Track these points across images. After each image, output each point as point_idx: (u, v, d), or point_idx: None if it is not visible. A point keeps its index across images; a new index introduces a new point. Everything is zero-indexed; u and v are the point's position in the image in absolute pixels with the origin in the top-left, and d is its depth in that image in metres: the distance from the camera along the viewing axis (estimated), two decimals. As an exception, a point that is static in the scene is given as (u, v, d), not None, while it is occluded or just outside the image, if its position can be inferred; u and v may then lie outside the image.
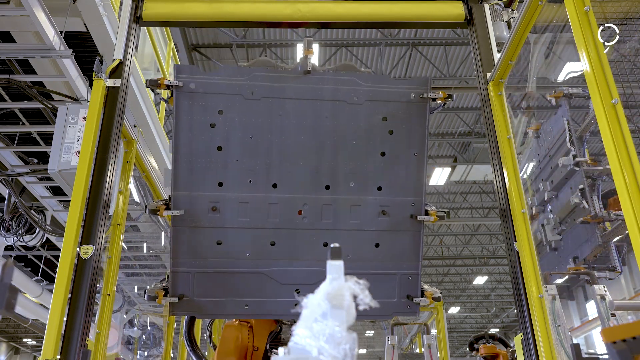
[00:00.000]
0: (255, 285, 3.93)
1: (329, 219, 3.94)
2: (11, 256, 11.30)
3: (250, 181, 3.85)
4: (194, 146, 3.79)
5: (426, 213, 3.96)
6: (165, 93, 3.97)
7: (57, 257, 8.18)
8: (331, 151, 3.92)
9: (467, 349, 9.85)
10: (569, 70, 10.40)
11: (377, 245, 3.98)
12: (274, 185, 3.88)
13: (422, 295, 4.06)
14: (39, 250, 10.95)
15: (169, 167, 3.88)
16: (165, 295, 3.86)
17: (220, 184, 3.82)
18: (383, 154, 3.94)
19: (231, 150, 3.82)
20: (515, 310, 3.85)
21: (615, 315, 5.14)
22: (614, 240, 6.58)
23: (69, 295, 3.33)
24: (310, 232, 3.94)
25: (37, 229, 8.74)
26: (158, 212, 3.72)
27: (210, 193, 3.82)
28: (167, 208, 3.78)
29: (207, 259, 3.89)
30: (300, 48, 13.31)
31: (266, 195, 3.88)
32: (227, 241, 3.89)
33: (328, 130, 3.90)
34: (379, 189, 3.94)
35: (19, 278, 10.67)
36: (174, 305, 3.85)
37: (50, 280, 11.75)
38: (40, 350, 4.63)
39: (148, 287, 3.89)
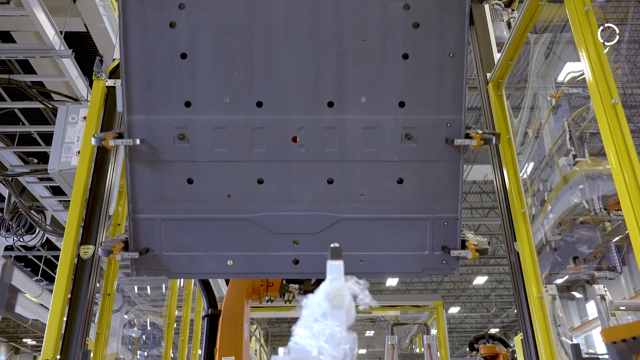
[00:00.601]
0: (241, 236, 3.17)
1: (333, 147, 3.07)
2: (11, 256, 11.30)
3: (226, 99, 2.98)
4: (149, 54, 2.91)
5: (467, 136, 3.02)
6: None
7: (57, 257, 8.19)
8: (334, 55, 2.98)
9: (467, 349, 9.86)
10: (569, 70, 10.41)
11: (400, 180, 3.11)
12: (259, 104, 3.00)
13: (463, 246, 3.17)
14: (39, 250, 10.95)
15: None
16: (125, 250, 3.13)
17: (188, 104, 2.98)
18: (406, 56, 2.96)
19: (199, 57, 2.94)
20: (515, 310, 3.84)
21: (615, 315, 5.15)
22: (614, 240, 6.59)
23: (69, 295, 3.34)
24: (309, 165, 3.11)
25: (37, 229, 8.74)
26: (104, 142, 2.93)
27: (175, 116, 2.99)
28: (121, 137, 2.99)
29: (176, 202, 3.12)
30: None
31: (249, 118, 3.01)
32: (200, 179, 3.10)
33: (329, 26, 2.95)
34: (401, 104, 3.00)
35: (19, 278, 10.67)
36: (137, 261, 3.16)
37: (50, 280, 11.76)
38: (40, 350, 4.64)
39: (103, 242, 3.15)
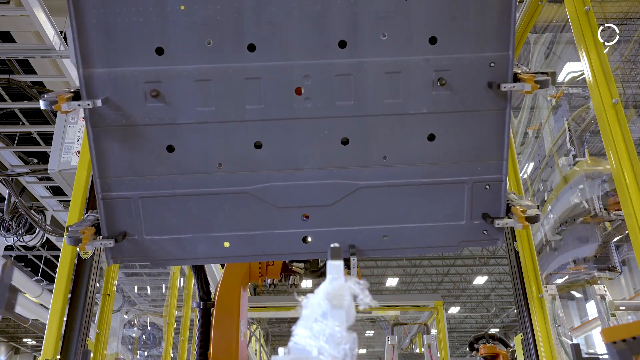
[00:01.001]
0: (238, 213, 2.68)
1: (348, 98, 2.49)
2: (11, 256, 11.31)
3: (209, 42, 2.39)
4: None
5: (516, 78, 2.42)
6: None
7: (57, 257, 8.20)
8: None
9: (467, 349, 9.87)
10: (569, 70, 10.42)
11: (431, 137, 2.57)
12: (251, 47, 2.40)
13: (509, 212, 2.65)
14: (39, 250, 10.96)
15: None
16: (96, 235, 2.60)
17: (160, 51, 2.38)
18: None
19: None
20: (515, 310, 3.84)
21: (615, 315, 5.16)
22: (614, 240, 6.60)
23: (69, 295, 3.34)
24: (318, 123, 2.54)
25: (37, 229, 8.74)
26: (55, 106, 2.28)
27: (145, 67, 2.39)
28: (77, 98, 2.38)
29: (155, 175, 2.58)
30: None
31: (239, 66, 2.42)
32: (182, 145, 2.54)
33: None
34: (433, 41, 2.41)
35: (19, 278, 10.68)
36: (113, 250, 2.67)
37: (50, 280, 11.76)
38: (40, 350, 4.64)
39: (70, 227, 2.58)
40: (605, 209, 6.63)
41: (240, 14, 2.35)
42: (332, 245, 1.09)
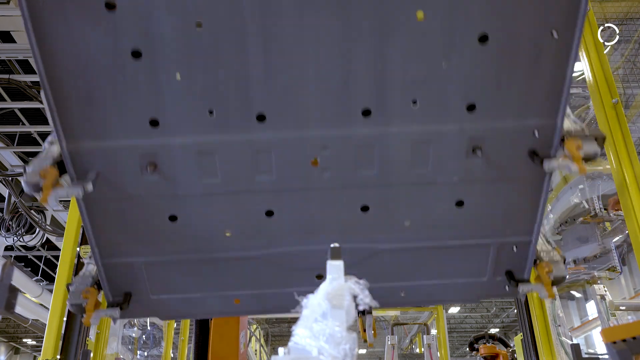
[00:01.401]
0: (249, 274, 2.55)
1: (370, 168, 2.23)
2: (11, 256, 11.31)
3: (211, 112, 2.06)
4: (80, 53, 1.90)
5: (562, 145, 2.10)
6: None
7: (57, 257, 8.20)
8: (373, 37, 1.95)
9: (467, 349, 9.87)
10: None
11: (459, 203, 2.34)
12: (260, 117, 2.09)
13: (535, 264, 2.48)
14: (39, 250, 10.96)
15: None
16: (99, 291, 2.47)
17: (154, 123, 2.06)
18: (484, 38, 1.93)
19: (160, 53, 1.94)
20: (515, 310, 3.84)
21: (615, 315, 5.16)
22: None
23: (69, 295, 3.34)
24: (336, 192, 2.31)
25: (37, 229, 8.74)
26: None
27: (139, 140, 2.10)
28: (62, 169, 2.11)
29: (158, 243, 2.41)
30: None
31: (248, 138, 2.13)
32: (186, 215, 2.32)
33: None
34: (471, 108, 2.10)
35: (19, 278, 10.68)
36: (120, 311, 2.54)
37: (50, 280, 11.76)
38: (40, 350, 4.64)
39: (71, 288, 2.43)
40: (605, 209, 6.63)
41: (247, 80, 2.00)
42: (332, 245, 1.09)
